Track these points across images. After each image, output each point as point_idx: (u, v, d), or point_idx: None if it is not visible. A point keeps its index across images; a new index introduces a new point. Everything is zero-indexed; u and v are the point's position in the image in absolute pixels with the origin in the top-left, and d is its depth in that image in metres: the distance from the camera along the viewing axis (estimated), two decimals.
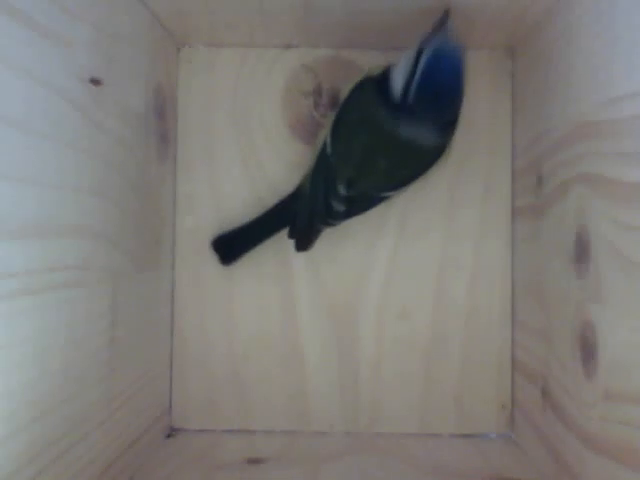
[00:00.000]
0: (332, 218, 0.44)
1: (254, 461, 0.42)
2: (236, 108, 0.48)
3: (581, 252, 0.33)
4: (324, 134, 0.43)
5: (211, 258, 0.48)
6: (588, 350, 0.32)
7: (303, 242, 0.45)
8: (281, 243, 0.48)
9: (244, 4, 0.40)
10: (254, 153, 0.48)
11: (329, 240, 0.48)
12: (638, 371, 0.27)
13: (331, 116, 0.43)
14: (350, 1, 0.39)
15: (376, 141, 0.40)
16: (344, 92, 0.42)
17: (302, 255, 0.47)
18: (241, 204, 0.48)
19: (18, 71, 0.26)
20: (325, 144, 0.42)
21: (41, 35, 0.27)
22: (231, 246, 0.47)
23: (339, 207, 0.43)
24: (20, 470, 0.26)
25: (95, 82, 0.33)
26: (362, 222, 0.45)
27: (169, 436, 0.46)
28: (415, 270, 0.48)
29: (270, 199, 0.48)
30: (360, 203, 0.44)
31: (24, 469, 0.26)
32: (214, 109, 0.48)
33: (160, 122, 0.44)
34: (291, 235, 0.46)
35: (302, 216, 0.44)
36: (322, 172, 0.43)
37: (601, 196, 0.31)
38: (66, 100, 0.30)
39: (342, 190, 0.42)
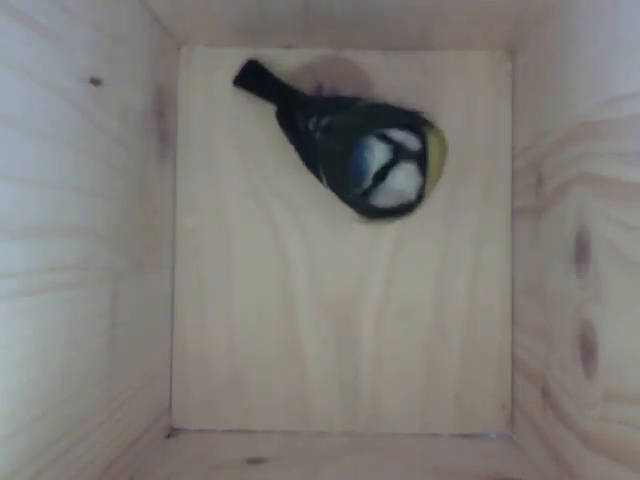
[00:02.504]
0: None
1: (254, 461, 0.42)
2: (236, 108, 0.48)
3: (581, 252, 0.33)
4: None
5: (211, 258, 0.48)
6: (588, 350, 0.32)
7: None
8: (281, 243, 0.48)
9: (244, 4, 0.40)
10: (254, 153, 0.48)
11: (329, 239, 0.48)
12: (638, 371, 0.27)
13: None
14: (350, 1, 0.39)
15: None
16: None
17: (302, 254, 0.48)
18: (241, 204, 0.48)
19: (18, 71, 0.26)
20: None
21: (41, 35, 0.27)
22: (252, 79, 0.48)
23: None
24: (20, 470, 0.26)
25: (95, 82, 0.33)
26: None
27: (169, 436, 0.46)
28: (415, 270, 0.48)
29: (270, 199, 0.48)
30: None
31: (24, 469, 0.26)
32: (214, 109, 0.48)
33: (160, 122, 0.44)
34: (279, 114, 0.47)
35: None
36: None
37: (601, 196, 0.31)
38: (66, 100, 0.30)
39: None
